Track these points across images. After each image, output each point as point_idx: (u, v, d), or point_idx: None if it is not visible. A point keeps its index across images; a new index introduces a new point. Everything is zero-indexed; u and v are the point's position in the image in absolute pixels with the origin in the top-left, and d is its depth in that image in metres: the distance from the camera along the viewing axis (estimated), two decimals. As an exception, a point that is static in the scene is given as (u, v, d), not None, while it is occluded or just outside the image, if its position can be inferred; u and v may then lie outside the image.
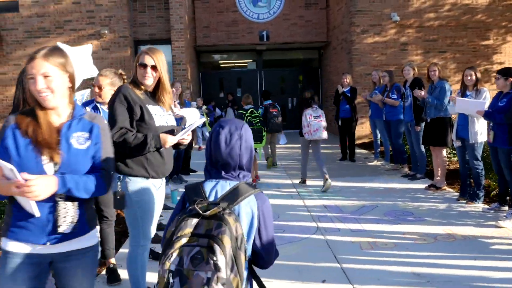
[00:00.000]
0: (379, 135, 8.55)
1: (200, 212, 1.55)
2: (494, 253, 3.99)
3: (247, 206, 1.66)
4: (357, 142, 11.44)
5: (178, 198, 6.06)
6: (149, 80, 2.92)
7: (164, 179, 3.11)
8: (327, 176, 6.60)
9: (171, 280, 1.49)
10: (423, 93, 6.15)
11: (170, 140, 2.81)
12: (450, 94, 6.04)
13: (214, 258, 1.46)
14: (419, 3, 11.38)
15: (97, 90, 3.49)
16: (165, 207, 5.79)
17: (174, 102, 6.94)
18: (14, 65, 10.90)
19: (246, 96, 7.55)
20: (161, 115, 3.00)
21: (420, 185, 6.68)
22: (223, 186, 1.70)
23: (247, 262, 1.68)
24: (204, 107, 10.00)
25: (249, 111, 7.28)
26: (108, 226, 3.71)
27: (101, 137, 2.02)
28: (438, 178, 6.40)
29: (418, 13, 11.42)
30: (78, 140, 1.94)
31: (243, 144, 1.74)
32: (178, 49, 11.36)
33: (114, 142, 2.76)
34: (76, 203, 1.92)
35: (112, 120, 2.83)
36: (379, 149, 8.85)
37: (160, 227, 4.91)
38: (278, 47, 14.94)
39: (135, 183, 2.89)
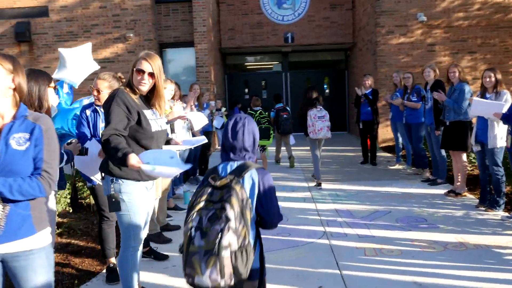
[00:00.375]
0: (400, 138, 8.34)
1: (212, 182, 2.03)
2: (507, 264, 3.79)
3: (250, 178, 2.09)
4: (381, 145, 11.21)
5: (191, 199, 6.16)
6: (145, 87, 2.93)
7: (155, 181, 3.12)
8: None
9: (193, 233, 1.93)
10: (442, 95, 5.94)
11: (131, 163, 2.60)
12: (471, 97, 5.81)
13: (225, 212, 1.91)
14: (447, 3, 11.04)
15: (95, 93, 3.53)
16: (177, 208, 5.87)
17: (192, 106, 6.98)
18: (44, 68, 11.23)
19: (256, 99, 8.06)
20: (155, 119, 3.01)
21: (440, 190, 6.45)
22: (232, 165, 2.15)
23: (254, 224, 2.11)
24: (224, 109, 10.03)
25: (258, 112, 7.78)
26: (108, 226, 3.76)
27: (44, 139, 2.01)
28: (458, 183, 6.17)
29: (446, 13, 11.07)
30: (18, 141, 1.96)
31: (245, 130, 2.18)
32: (201, 51, 11.43)
33: (101, 142, 2.79)
34: (8, 208, 1.93)
35: (107, 121, 2.85)
36: (401, 153, 8.63)
37: (167, 228, 4.95)
38: (304, 48, 14.83)
39: (127, 185, 2.90)
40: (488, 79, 5.23)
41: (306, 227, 4.97)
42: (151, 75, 2.90)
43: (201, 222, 1.93)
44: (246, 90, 15.69)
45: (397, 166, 8.46)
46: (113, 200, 2.90)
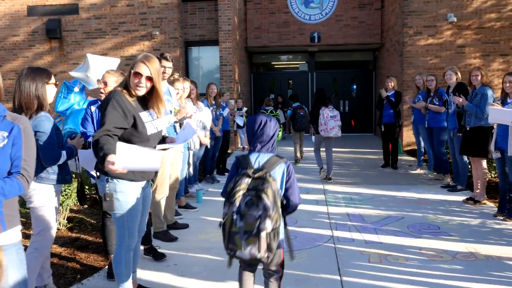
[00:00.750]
0: (422, 143, 8.12)
1: (250, 174, 2.48)
2: (516, 278, 3.63)
3: (280, 169, 2.59)
4: (406, 148, 10.97)
5: (203, 198, 6.21)
6: (142, 91, 2.91)
7: (157, 180, 3.15)
8: (330, 175, 7.55)
9: (235, 217, 2.38)
10: (461, 99, 5.74)
11: (112, 159, 2.58)
12: (493, 102, 5.59)
13: (263, 202, 2.35)
14: (478, 3, 10.67)
15: (102, 85, 3.57)
16: (188, 207, 5.92)
17: (212, 109, 7.01)
18: (73, 64, 11.57)
19: (268, 99, 8.82)
20: (151, 121, 3.01)
21: (459, 197, 6.26)
22: (262, 157, 2.60)
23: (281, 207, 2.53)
24: (245, 109, 10.03)
25: (269, 112, 8.49)
26: (111, 223, 3.81)
27: (22, 138, 2.07)
28: (478, 191, 5.96)
29: (477, 14, 10.70)
30: None
31: (272, 126, 2.66)
32: (225, 50, 11.48)
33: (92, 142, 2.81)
34: None
35: (102, 123, 2.83)
36: (422, 157, 8.41)
37: (175, 226, 4.99)
38: (331, 48, 14.66)
39: (121, 185, 2.92)
40: (508, 84, 5.03)
41: (314, 230, 4.92)
42: (149, 78, 2.88)
43: (240, 207, 2.39)
44: (272, 90, 15.67)
45: (418, 171, 8.26)
46: (107, 199, 2.92)
